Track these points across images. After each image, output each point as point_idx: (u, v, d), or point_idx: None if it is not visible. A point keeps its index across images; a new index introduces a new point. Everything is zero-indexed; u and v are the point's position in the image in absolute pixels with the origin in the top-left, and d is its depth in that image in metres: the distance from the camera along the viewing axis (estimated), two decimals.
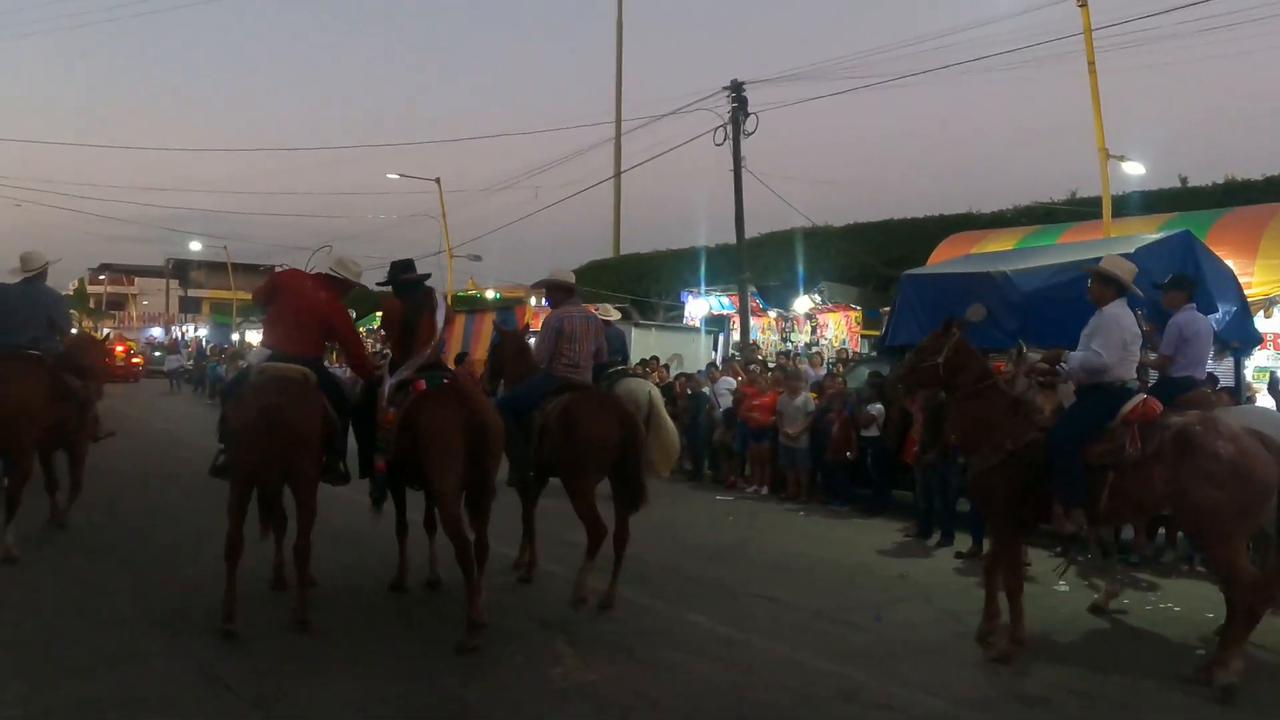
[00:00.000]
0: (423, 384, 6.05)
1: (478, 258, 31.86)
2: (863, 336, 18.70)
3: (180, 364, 35.01)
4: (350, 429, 6.47)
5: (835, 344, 18.62)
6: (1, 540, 7.17)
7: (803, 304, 18.97)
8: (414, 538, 6.92)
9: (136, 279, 72.01)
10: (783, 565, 8.12)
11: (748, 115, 17.26)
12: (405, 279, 6.55)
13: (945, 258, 15.23)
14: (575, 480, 6.52)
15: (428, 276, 6.84)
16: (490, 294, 33.36)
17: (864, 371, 12.52)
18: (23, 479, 7.42)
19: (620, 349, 11.60)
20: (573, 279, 7.51)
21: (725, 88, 17.41)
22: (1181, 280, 7.51)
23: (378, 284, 6.77)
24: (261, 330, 6.49)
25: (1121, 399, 5.61)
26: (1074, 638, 6.16)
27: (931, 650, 5.78)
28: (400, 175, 32.84)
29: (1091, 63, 13.29)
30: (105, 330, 50.18)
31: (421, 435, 5.74)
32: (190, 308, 62.99)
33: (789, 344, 19.62)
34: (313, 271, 6.48)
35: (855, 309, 18.85)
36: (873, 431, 10.77)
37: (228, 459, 6.18)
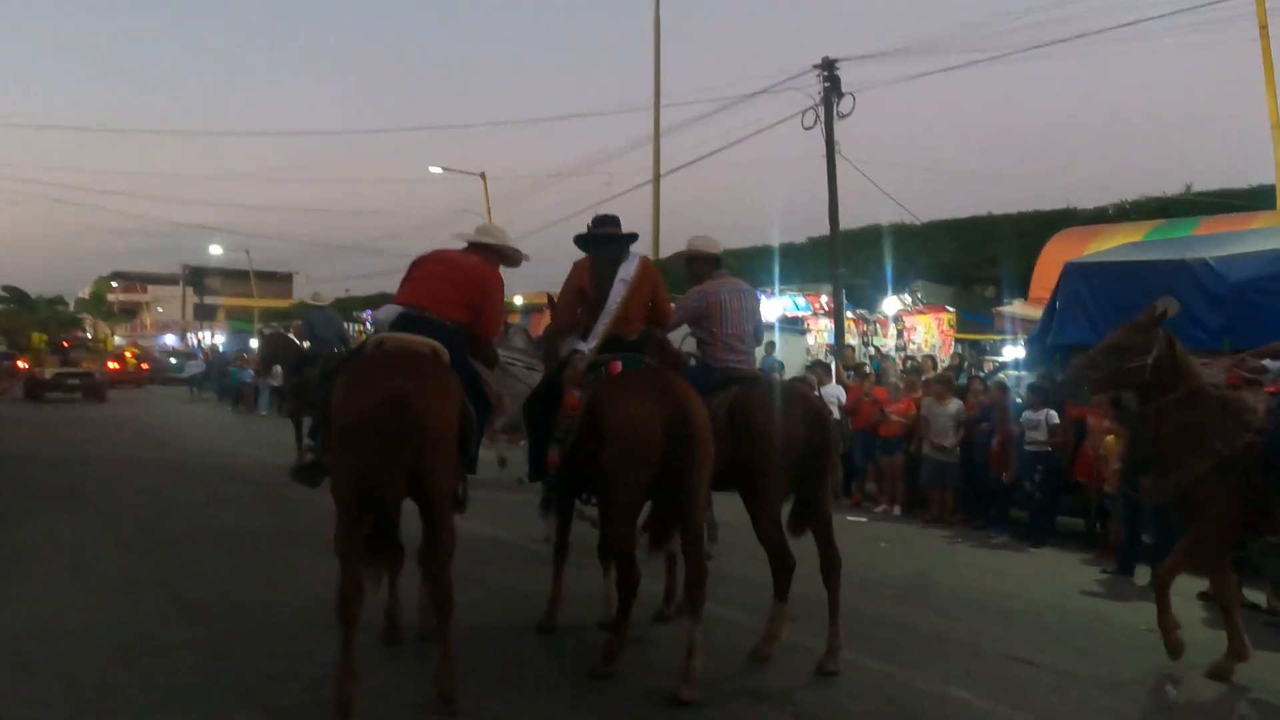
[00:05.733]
0: (618, 366, 4.67)
1: (525, 258, 29.84)
2: (957, 340, 17.07)
3: (200, 370, 33.49)
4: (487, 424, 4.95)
5: (925, 348, 17.00)
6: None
7: (891, 305, 17.31)
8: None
9: (150, 286, 70.49)
10: (999, 611, 6.53)
11: (841, 95, 15.63)
12: (603, 234, 5.18)
13: (1057, 257, 13.57)
14: (755, 494, 5.01)
15: (633, 238, 5.37)
16: (517, 300, 31.25)
17: (1013, 378, 11.11)
18: None
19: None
20: (717, 247, 5.91)
21: (816, 66, 15.81)
22: None
23: (575, 237, 5.30)
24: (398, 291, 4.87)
25: None
26: None
27: None
28: (444, 169, 30.91)
29: (1264, 26, 11.64)
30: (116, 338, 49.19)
31: (607, 428, 4.40)
32: (205, 315, 61.64)
33: (870, 348, 17.98)
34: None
35: (949, 311, 17.24)
36: (1040, 446, 9.18)
37: (322, 460, 4.67)
